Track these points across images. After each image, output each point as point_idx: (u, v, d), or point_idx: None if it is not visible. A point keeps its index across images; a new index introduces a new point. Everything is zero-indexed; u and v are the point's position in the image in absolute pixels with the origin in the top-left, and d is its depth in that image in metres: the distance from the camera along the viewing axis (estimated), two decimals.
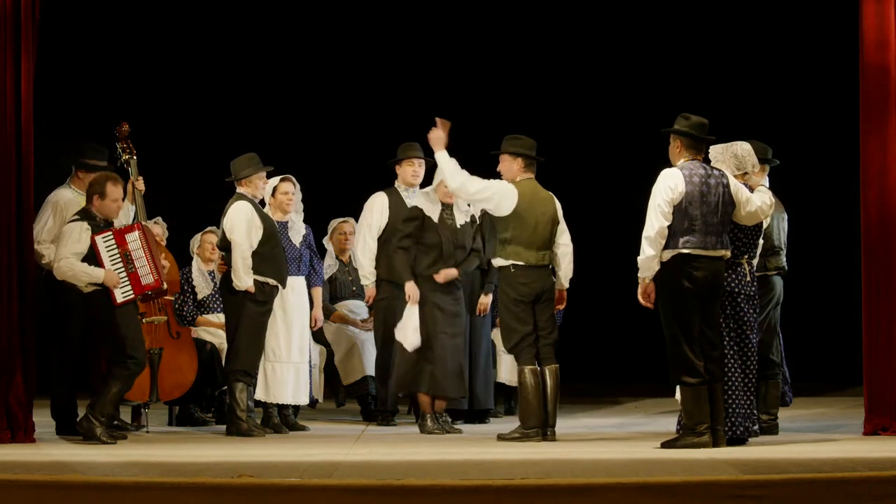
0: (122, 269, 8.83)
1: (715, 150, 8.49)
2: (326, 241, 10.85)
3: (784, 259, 9.27)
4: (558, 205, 9.16)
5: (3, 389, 8.64)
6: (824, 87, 12.67)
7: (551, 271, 9.06)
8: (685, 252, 8.14)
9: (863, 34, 8.88)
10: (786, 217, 9.33)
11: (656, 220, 8.15)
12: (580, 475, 6.87)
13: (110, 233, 8.89)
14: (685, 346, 8.14)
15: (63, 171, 9.55)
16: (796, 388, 10.60)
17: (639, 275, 8.26)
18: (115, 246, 8.84)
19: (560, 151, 13.32)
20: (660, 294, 8.23)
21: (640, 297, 8.28)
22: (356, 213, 10.67)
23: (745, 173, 8.49)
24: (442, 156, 9.02)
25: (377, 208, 10.19)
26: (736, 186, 8.32)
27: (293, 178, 9.80)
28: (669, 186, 8.15)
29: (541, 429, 8.83)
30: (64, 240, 8.81)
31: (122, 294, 8.80)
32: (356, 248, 10.31)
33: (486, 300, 9.91)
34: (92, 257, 8.78)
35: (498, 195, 8.92)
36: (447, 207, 9.59)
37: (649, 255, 8.19)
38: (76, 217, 8.90)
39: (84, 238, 8.79)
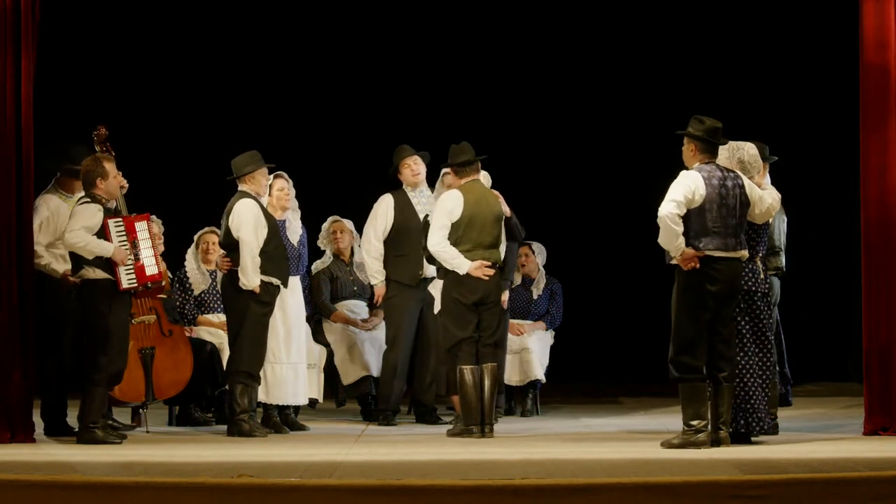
0: (130, 255, 8.81)
1: (720, 154, 8.38)
2: (321, 242, 10.83)
3: (783, 260, 9.27)
4: (503, 204, 9.42)
5: (3, 389, 8.64)
6: (824, 86, 12.67)
7: (498, 272, 9.24)
8: (707, 254, 8.13)
9: (863, 34, 8.88)
10: (786, 218, 9.33)
11: (671, 206, 8.07)
12: (580, 475, 6.87)
13: (121, 219, 8.86)
14: (690, 344, 8.13)
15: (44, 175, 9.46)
16: (796, 388, 10.62)
17: (671, 254, 8.15)
18: (124, 232, 8.82)
19: (566, 152, 13.40)
20: (675, 291, 8.23)
21: (687, 266, 8.10)
22: (354, 214, 10.69)
23: (750, 177, 8.48)
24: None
25: (382, 210, 10.28)
26: (750, 186, 8.33)
27: (285, 175, 9.81)
28: (690, 187, 8.14)
29: (481, 426, 9.00)
30: (77, 216, 8.71)
31: (127, 280, 8.77)
32: (363, 250, 10.37)
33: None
34: (101, 238, 8.72)
35: (447, 215, 9.13)
36: None
37: (671, 231, 8.05)
38: (86, 200, 8.80)
39: (98, 217, 8.70)
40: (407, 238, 10.14)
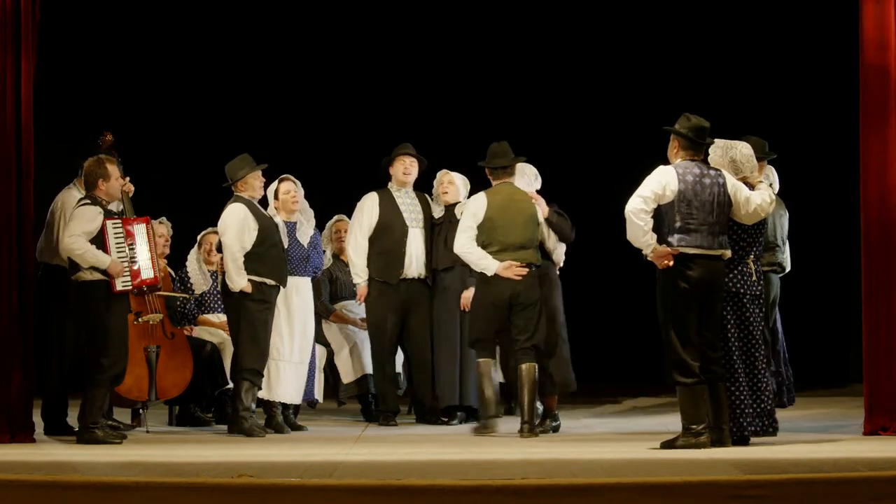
0: (126, 258, 8.82)
1: (714, 153, 8.40)
2: (323, 241, 10.83)
3: (781, 256, 9.26)
4: (540, 205, 9.37)
5: (3, 390, 8.64)
6: (824, 86, 12.67)
7: (534, 272, 9.19)
8: (680, 251, 8.09)
9: (863, 34, 8.88)
10: (786, 214, 9.31)
11: (637, 201, 8.05)
12: (580, 475, 6.87)
13: (120, 221, 8.87)
14: (680, 346, 8.08)
15: (65, 173, 9.50)
16: (797, 388, 10.60)
17: (643, 252, 8.13)
18: (122, 234, 8.83)
19: (562, 152, 13.39)
20: (657, 293, 8.21)
21: (661, 264, 8.08)
22: (351, 214, 10.71)
23: (743, 176, 8.46)
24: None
25: (367, 207, 10.28)
26: (734, 186, 8.26)
27: (292, 177, 9.82)
28: (660, 182, 8.10)
29: (522, 423, 9.04)
30: (76, 219, 8.73)
31: (121, 283, 8.78)
32: (348, 247, 10.36)
33: (467, 294, 9.88)
34: (99, 242, 8.72)
35: (471, 217, 9.22)
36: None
37: (636, 227, 8.03)
38: (87, 201, 8.81)
39: (98, 221, 8.72)
40: (390, 236, 10.16)
